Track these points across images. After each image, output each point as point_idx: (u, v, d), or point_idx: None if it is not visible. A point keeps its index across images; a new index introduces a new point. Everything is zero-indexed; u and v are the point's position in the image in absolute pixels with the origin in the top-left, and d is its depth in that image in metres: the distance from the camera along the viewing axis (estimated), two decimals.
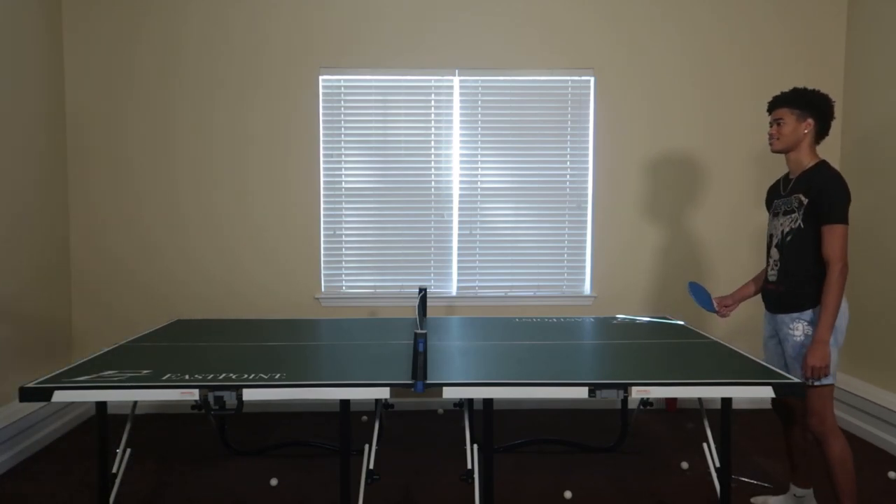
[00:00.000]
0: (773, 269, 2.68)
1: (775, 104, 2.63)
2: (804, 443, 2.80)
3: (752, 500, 3.01)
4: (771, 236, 2.73)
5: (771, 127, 2.64)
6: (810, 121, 2.56)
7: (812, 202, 2.50)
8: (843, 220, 2.44)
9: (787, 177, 2.71)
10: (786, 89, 2.84)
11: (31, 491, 3.13)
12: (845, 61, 4.29)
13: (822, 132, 2.59)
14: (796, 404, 2.78)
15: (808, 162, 2.59)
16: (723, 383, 2.30)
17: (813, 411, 2.52)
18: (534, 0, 4.24)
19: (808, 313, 2.54)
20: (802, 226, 2.53)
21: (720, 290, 4.37)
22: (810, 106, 2.56)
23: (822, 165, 2.56)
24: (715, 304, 2.99)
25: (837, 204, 2.44)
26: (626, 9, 4.26)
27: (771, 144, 2.64)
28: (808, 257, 2.53)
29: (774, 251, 2.67)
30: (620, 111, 4.31)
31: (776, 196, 2.74)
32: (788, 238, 2.59)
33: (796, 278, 2.56)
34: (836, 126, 4.29)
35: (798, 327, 2.55)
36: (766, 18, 4.27)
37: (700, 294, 3.05)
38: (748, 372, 2.43)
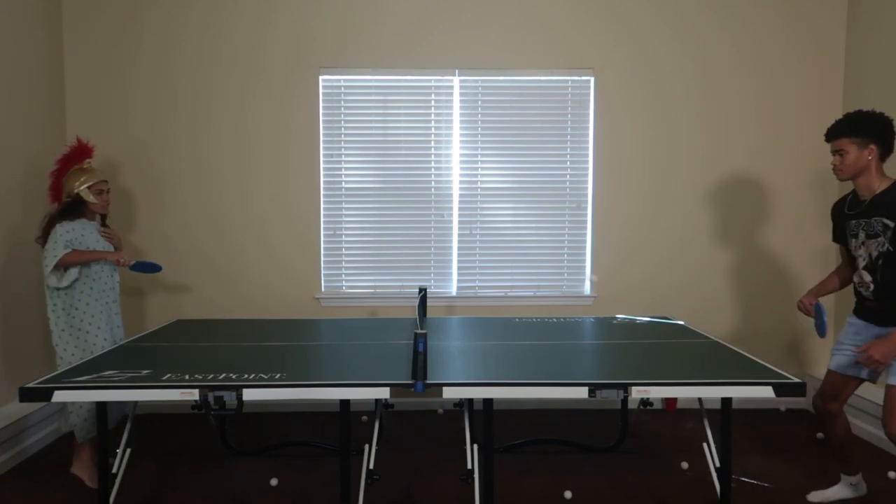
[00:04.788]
0: (867, 289, 2.65)
1: (834, 134, 2.59)
2: (846, 434, 2.81)
3: (809, 496, 2.98)
4: (855, 258, 2.70)
5: (833, 157, 2.61)
6: (873, 146, 2.54)
7: None
8: None
9: (855, 196, 2.68)
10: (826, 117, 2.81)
11: (31, 491, 3.14)
12: (845, 61, 4.28)
13: (886, 153, 2.57)
14: (835, 400, 2.78)
15: (879, 185, 2.57)
16: (723, 383, 2.31)
17: (892, 412, 2.49)
18: (534, 0, 4.24)
19: None
20: (892, 249, 2.52)
21: (718, 290, 4.37)
22: (870, 132, 2.53)
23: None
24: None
25: None
26: (626, 9, 4.26)
27: (836, 176, 2.62)
28: None
29: (865, 273, 2.65)
30: (620, 111, 4.31)
31: (845, 216, 2.71)
32: (879, 262, 2.57)
33: (894, 295, 2.56)
34: None
35: None
36: (765, 18, 4.27)
37: (821, 317, 2.88)
38: (748, 372, 2.43)
